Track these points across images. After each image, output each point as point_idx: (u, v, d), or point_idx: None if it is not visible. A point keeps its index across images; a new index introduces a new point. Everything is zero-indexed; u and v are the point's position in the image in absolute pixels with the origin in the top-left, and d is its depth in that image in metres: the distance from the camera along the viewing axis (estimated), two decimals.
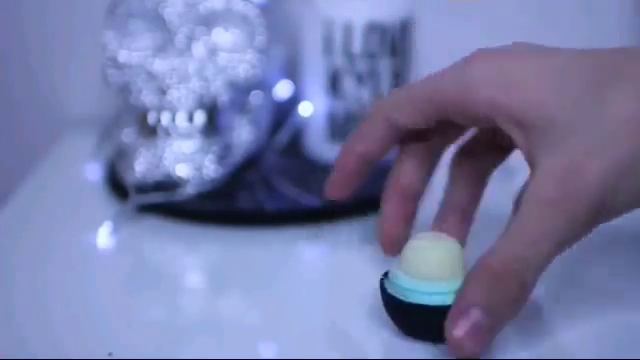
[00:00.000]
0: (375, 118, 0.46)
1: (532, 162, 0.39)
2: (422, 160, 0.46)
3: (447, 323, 0.37)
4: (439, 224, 0.46)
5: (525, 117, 0.39)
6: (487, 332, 0.37)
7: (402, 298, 0.39)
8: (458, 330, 0.37)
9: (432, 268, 0.39)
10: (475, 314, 0.37)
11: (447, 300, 0.38)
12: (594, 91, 0.38)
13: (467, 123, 0.44)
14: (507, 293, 0.37)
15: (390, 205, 0.46)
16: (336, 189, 0.48)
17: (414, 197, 0.46)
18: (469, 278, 0.38)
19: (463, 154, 0.47)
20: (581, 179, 0.37)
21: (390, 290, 0.40)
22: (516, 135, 0.40)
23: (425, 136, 0.46)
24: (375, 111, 0.46)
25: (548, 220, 0.37)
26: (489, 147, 0.46)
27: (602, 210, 0.38)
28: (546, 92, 0.39)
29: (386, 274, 0.41)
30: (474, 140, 0.47)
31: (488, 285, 0.37)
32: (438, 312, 0.38)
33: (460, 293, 0.38)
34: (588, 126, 0.38)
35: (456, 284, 0.39)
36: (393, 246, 0.45)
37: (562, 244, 0.38)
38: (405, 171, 0.46)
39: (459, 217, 0.46)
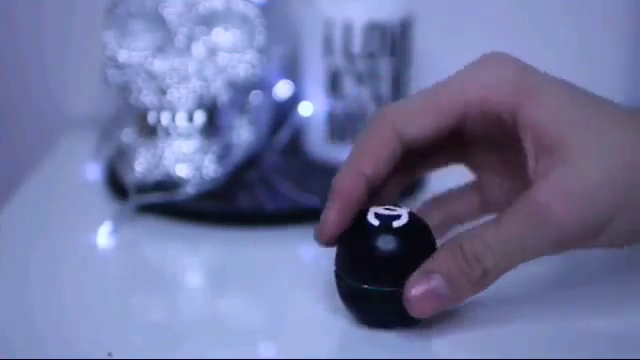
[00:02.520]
0: (382, 134, 0.42)
1: (537, 171, 0.40)
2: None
3: (408, 283, 0.39)
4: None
5: (545, 133, 0.40)
6: (442, 299, 0.39)
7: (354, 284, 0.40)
8: (416, 289, 0.39)
9: None
10: (436, 280, 0.39)
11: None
12: (609, 124, 0.40)
13: (482, 130, 0.44)
14: (470, 275, 0.39)
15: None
16: (336, 223, 0.41)
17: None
18: (442, 249, 0.40)
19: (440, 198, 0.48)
20: (580, 203, 0.38)
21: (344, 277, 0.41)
22: (529, 145, 0.41)
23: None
24: (381, 125, 0.42)
25: (533, 229, 0.39)
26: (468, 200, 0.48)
27: (590, 238, 0.39)
28: (570, 116, 0.40)
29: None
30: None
31: (455, 262, 0.39)
32: (386, 296, 0.40)
33: (429, 260, 0.40)
34: (599, 159, 0.39)
35: None
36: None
37: (536, 255, 0.40)
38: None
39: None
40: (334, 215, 0.41)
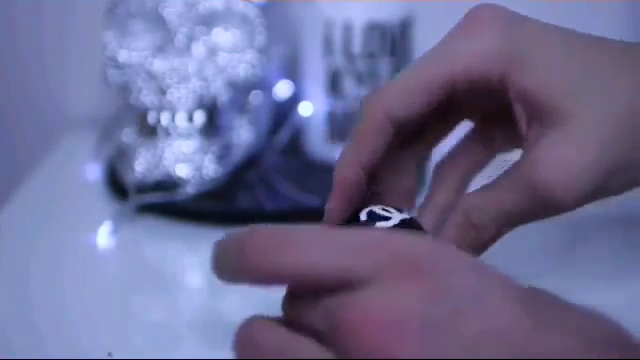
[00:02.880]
0: (373, 119, 0.42)
1: (529, 138, 0.40)
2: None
3: None
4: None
5: (536, 100, 0.39)
6: None
7: None
8: None
9: None
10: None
11: None
12: (604, 82, 0.39)
13: (473, 99, 0.43)
14: (469, 239, 0.40)
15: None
16: (339, 210, 0.41)
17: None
18: (449, 220, 0.41)
19: (448, 158, 0.47)
20: (572, 170, 0.38)
21: None
22: (519, 111, 0.40)
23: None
24: (370, 111, 0.42)
25: (528, 196, 0.38)
26: (474, 151, 0.46)
27: (584, 202, 0.39)
28: (562, 78, 0.39)
29: None
30: (461, 146, 0.47)
31: (457, 228, 0.40)
32: None
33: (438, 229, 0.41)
34: (592, 119, 0.38)
35: None
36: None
37: (531, 219, 0.40)
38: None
39: (436, 216, 0.47)
40: (334, 205, 0.41)
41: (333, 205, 0.41)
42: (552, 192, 0.38)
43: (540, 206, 0.39)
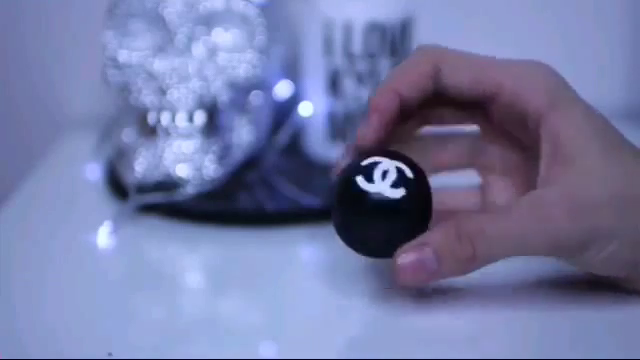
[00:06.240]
0: (422, 65, 0.44)
1: (549, 174, 0.41)
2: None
3: (399, 250, 0.40)
4: None
5: (565, 144, 0.41)
6: (428, 272, 0.40)
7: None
8: (405, 258, 0.40)
9: None
10: (426, 252, 0.40)
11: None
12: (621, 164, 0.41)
13: (499, 118, 0.45)
14: (459, 254, 0.40)
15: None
16: (371, 131, 0.43)
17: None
18: (439, 225, 0.41)
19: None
20: (583, 212, 0.39)
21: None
22: (546, 148, 0.42)
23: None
24: (424, 58, 0.44)
25: (534, 224, 0.40)
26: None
27: (585, 249, 0.40)
28: (591, 140, 0.41)
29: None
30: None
31: (447, 239, 0.40)
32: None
33: (425, 232, 0.41)
34: (609, 180, 0.40)
35: None
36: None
37: (529, 252, 0.41)
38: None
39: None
40: (371, 128, 0.43)
41: (368, 129, 0.43)
42: (558, 221, 0.39)
43: (543, 234, 0.39)
